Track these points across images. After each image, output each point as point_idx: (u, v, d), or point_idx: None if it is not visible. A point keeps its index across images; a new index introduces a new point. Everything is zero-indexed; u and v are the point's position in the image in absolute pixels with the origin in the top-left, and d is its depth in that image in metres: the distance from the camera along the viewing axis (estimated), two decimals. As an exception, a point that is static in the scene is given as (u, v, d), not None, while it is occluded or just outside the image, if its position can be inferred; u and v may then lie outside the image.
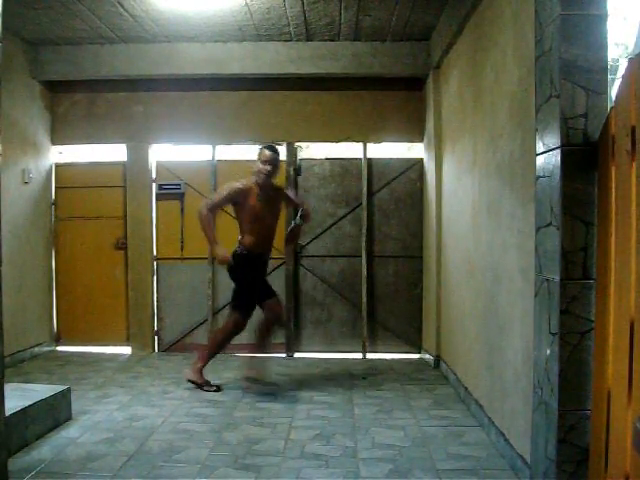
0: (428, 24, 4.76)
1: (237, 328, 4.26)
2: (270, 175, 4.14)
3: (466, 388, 3.91)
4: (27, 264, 5.18)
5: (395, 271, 5.58)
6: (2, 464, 2.56)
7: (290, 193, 4.57)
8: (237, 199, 4.13)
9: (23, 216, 5.14)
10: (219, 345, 4.32)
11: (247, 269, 4.17)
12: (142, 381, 4.51)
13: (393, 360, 5.36)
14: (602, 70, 2.17)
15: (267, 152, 4.15)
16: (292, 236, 4.51)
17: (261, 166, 4.11)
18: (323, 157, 5.65)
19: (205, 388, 4.22)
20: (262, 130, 5.53)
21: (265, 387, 4.24)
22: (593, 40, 2.17)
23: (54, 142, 5.65)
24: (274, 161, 4.15)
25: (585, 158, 2.16)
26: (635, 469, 1.76)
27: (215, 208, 4.13)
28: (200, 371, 4.27)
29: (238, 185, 4.14)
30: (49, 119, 5.58)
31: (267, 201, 4.17)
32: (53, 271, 5.66)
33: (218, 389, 4.24)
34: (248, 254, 4.15)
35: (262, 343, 4.33)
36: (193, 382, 4.25)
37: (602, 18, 2.18)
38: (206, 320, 5.56)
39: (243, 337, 5.66)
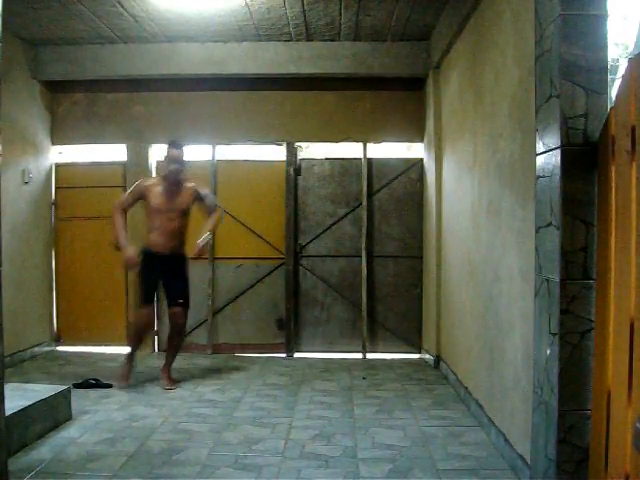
0: (428, 24, 4.76)
1: (140, 323, 4.33)
2: (178, 173, 4.22)
3: (466, 388, 3.91)
4: (27, 264, 5.18)
5: (395, 271, 5.58)
6: (2, 464, 2.55)
7: (203, 191, 4.39)
8: (142, 196, 4.22)
9: (23, 216, 5.14)
10: (132, 342, 4.40)
11: (145, 265, 4.22)
12: (142, 381, 4.50)
13: (393, 360, 5.36)
14: (602, 70, 2.17)
15: (174, 151, 4.23)
16: (202, 251, 4.30)
17: (169, 165, 4.21)
18: (323, 157, 5.65)
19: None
20: (262, 130, 5.53)
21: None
22: (593, 40, 2.17)
23: (54, 142, 5.65)
24: (181, 159, 4.22)
25: (585, 158, 2.16)
26: (635, 469, 1.76)
27: (122, 206, 4.22)
28: (126, 375, 4.33)
29: (143, 182, 4.31)
30: (49, 119, 5.58)
31: (171, 198, 4.21)
32: (53, 271, 5.66)
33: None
34: (148, 251, 4.22)
35: (170, 350, 4.43)
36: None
37: (602, 18, 2.18)
38: (206, 320, 5.56)
39: (251, 337, 5.66)
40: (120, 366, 4.42)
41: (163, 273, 4.29)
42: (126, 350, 4.46)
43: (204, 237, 4.26)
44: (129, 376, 4.34)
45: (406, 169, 5.57)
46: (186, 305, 4.35)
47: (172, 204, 4.21)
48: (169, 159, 4.22)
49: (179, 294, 4.32)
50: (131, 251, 4.11)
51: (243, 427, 3.48)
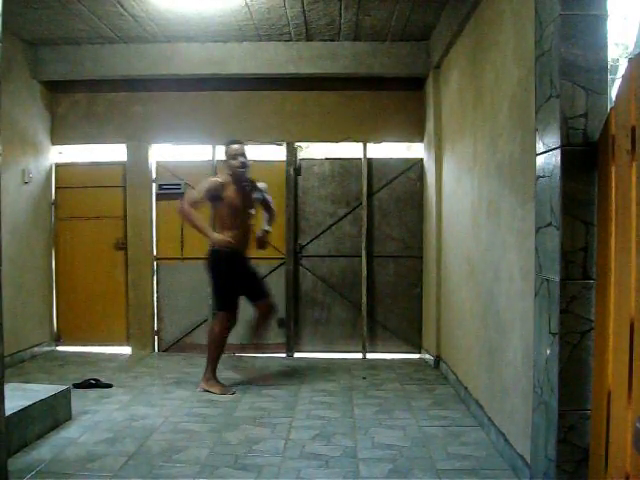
0: (428, 24, 4.76)
1: (225, 328, 4.23)
2: (245, 166, 4.16)
3: (466, 388, 3.91)
4: (27, 264, 5.18)
5: (395, 271, 5.58)
6: (2, 464, 2.56)
7: (264, 188, 4.41)
8: (217, 193, 4.10)
9: (23, 216, 5.14)
10: (216, 350, 4.25)
11: (229, 265, 4.15)
12: (142, 381, 4.51)
13: (393, 360, 5.35)
14: (602, 70, 2.17)
15: (235, 146, 4.18)
16: (262, 243, 4.36)
17: (233, 161, 4.14)
18: (323, 157, 5.65)
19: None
20: (262, 130, 5.52)
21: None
22: (593, 40, 2.17)
23: (54, 142, 5.65)
24: (244, 153, 4.17)
25: (585, 158, 2.16)
26: (635, 469, 1.76)
27: (197, 204, 4.13)
28: (211, 380, 4.22)
29: (218, 179, 4.18)
30: (49, 119, 5.58)
31: (244, 195, 4.18)
32: (53, 271, 5.66)
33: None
34: (230, 250, 4.12)
35: (255, 341, 4.51)
36: (209, 392, 4.18)
37: (602, 18, 2.18)
38: (206, 320, 5.55)
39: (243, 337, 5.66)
40: (213, 380, 4.23)
41: (242, 274, 4.24)
42: (209, 362, 4.23)
43: (267, 227, 4.34)
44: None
45: (406, 169, 5.57)
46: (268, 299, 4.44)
47: (246, 202, 4.18)
48: (235, 154, 4.13)
49: (264, 290, 4.43)
50: (220, 235, 4.07)
51: (243, 427, 3.48)
